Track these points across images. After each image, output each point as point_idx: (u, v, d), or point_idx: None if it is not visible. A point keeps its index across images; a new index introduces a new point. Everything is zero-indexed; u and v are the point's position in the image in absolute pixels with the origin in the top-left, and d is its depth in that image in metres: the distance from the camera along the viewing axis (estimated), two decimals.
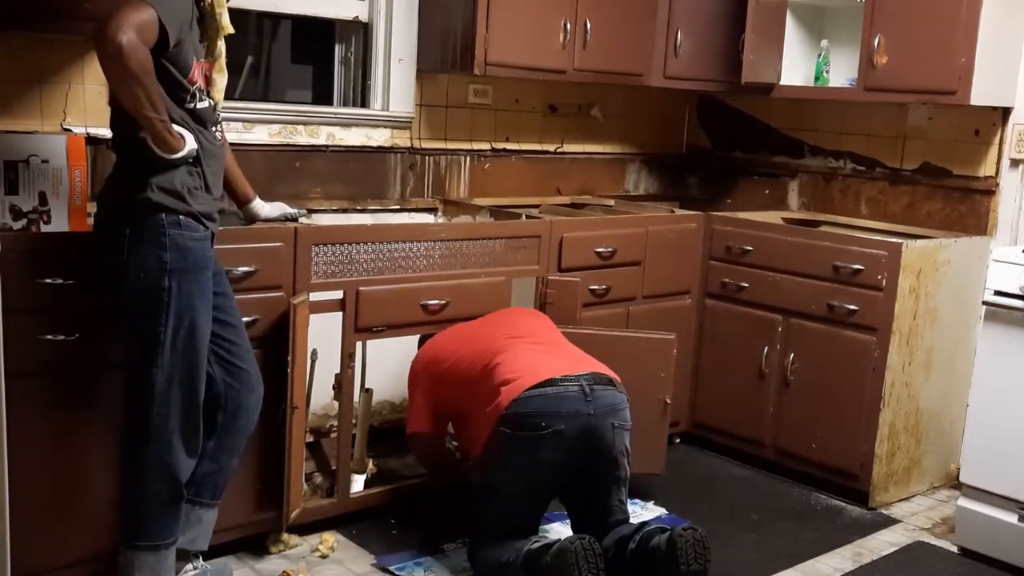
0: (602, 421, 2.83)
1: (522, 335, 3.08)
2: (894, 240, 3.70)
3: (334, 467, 3.31)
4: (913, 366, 3.71)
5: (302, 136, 3.69)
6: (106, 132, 3.19)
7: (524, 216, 3.74)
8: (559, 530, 3.21)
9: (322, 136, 3.74)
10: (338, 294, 3.13)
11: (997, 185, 3.94)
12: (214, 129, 2.61)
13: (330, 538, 3.14)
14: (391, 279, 3.23)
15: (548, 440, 2.76)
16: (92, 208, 2.99)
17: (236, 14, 3.78)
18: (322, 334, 3.18)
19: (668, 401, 3.57)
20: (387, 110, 3.92)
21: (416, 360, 3.26)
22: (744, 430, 4.06)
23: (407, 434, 3.29)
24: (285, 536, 3.09)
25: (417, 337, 3.45)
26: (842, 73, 4.23)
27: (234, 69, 4.06)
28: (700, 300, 4.19)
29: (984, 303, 3.32)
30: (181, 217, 2.45)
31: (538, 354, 2.98)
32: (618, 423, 2.87)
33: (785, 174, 4.63)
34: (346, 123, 3.81)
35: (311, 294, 3.03)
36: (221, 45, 2.61)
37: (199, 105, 2.52)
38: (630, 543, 2.76)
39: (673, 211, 4.31)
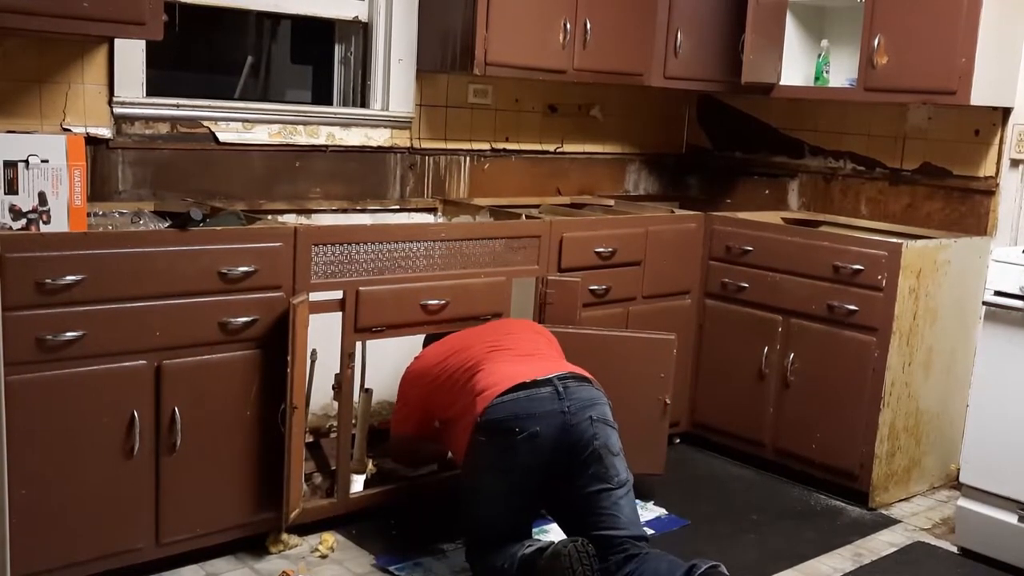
0: (579, 416, 2.79)
1: (506, 347, 3.07)
2: (894, 240, 3.70)
3: (334, 467, 3.31)
4: (913, 366, 3.71)
5: (302, 136, 3.69)
6: (106, 132, 3.21)
7: (524, 216, 3.74)
8: (559, 531, 3.20)
9: (322, 136, 3.74)
10: (338, 294, 3.13)
11: (997, 185, 3.94)
12: None
13: (330, 538, 3.14)
14: (391, 279, 3.22)
15: (523, 444, 2.74)
16: (91, 208, 3.01)
17: (236, 14, 3.81)
18: (322, 334, 3.18)
19: (668, 401, 3.57)
20: (387, 110, 3.92)
21: (408, 370, 3.23)
22: (744, 430, 4.06)
23: (391, 434, 3.35)
24: (285, 536, 3.09)
25: (421, 338, 3.45)
26: (842, 73, 4.23)
27: (234, 69, 4.09)
28: (700, 300, 4.19)
29: (984, 303, 3.32)
30: None
31: (513, 363, 2.95)
32: (597, 416, 2.82)
33: (785, 174, 4.63)
34: (346, 123, 3.81)
35: (311, 294, 3.03)
36: None
37: None
38: None
39: (673, 211, 4.31)
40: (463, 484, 2.96)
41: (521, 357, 3.00)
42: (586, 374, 2.96)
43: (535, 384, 2.82)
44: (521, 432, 2.74)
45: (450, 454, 3.47)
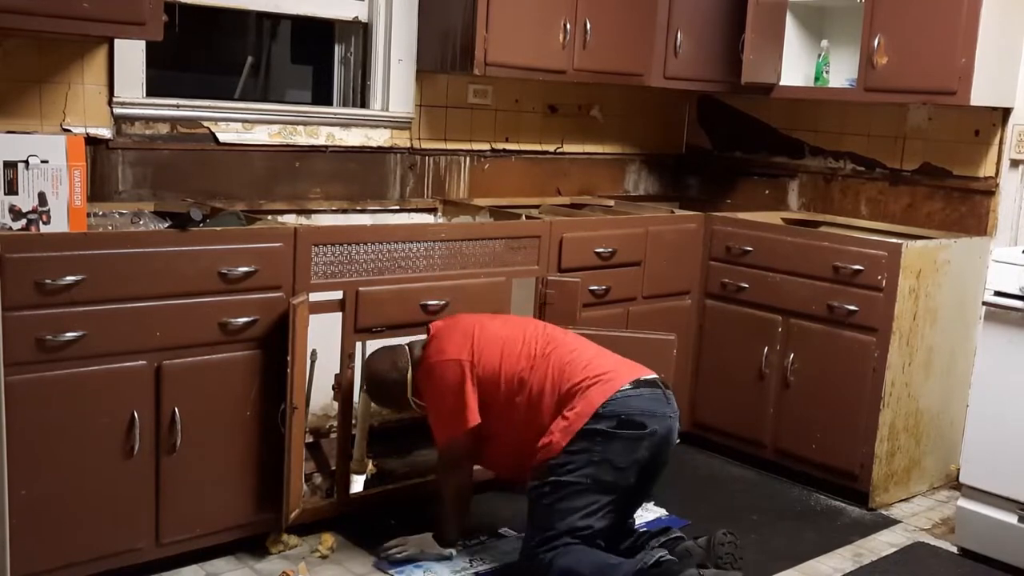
0: (676, 422, 2.90)
1: (575, 345, 3.02)
2: (894, 240, 3.70)
3: (334, 467, 3.31)
4: (913, 366, 3.71)
5: (302, 136, 3.69)
6: (106, 132, 3.21)
7: (524, 216, 3.74)
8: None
9: (322, 136, 3.74)
10: (338, 294, 3.13)
11: (997, 185, 3.94)
12: None
13: (330, 538, 3.14)
14: (391, 279, 3.22)
15: (646, 440, 2.79)
16: (91, 208, 3.01)
17: (236, 14, 3.81)
18: (322, 334, 3.18)
19: None
20: (387, 110, 3.92)
21: (446, 353, 2.99)
22: (744, 430, 4.06)
23: (443, 442, 3.04)
24: (285, 536, 3.09)
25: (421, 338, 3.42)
26: (842, 73, 4.23)
27: (234, 69, 4.09)
28: (700, 300, 4.19)
29: (984, 303, 3.32)
30: None
31: (602, 354, 2.99)
32: (677, 426, 2.95)
33: (785, 174, 4.63)
34: (346, 123, 3.81)
35: (311, 294, 3.03)
36: None
37: None
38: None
39: (673, 211, 4.31)
40: (558, 483, 2.81)
41: (605, 354, 3.00)
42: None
43: (648, 383, 2.88)
44: (646, 428, 2.79)
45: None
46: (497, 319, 3.16)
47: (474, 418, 2.95)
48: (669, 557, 2.73)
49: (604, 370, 2.88)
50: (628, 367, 2.94)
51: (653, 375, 2.96)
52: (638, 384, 2.87)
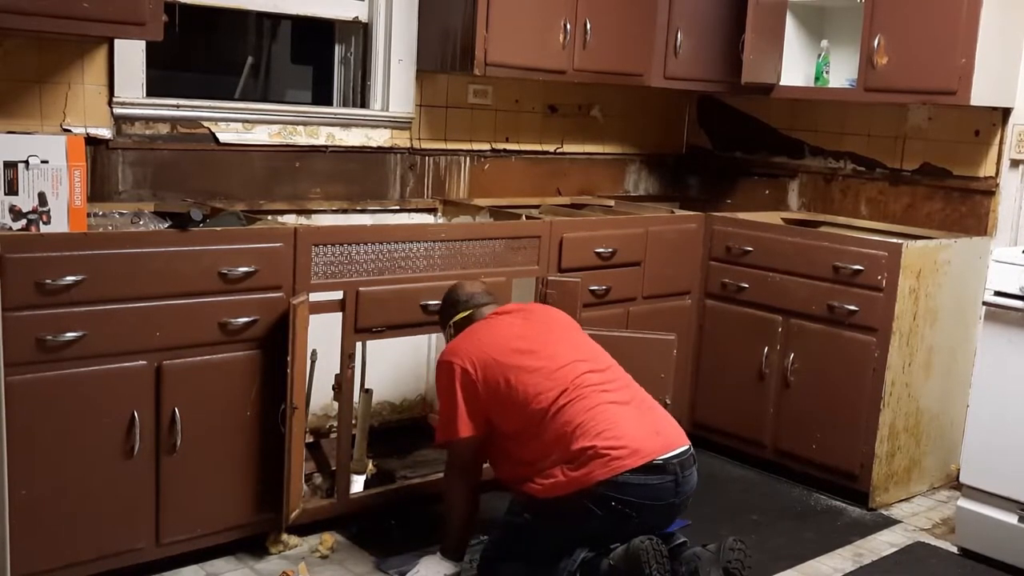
0: (681, 503, 2.79)
1: (592, 377, 2.82)
2: (894, 240, 3.70)
3: (334, 467, 3.31)
4: (913, 366, 3.71)
5: (302, 136, 3.69)
6: (106, 132, 3.21)
7: (524, 216, 3.74)
8: None
9: (322, 136, 3.74)
10: (338, 294, 3.13)
11: (997, 185, 3.94)
12: None
13: (330, 539, 3.14)
14: (391, 279, 3.22)
15: (633, 526, 2.68)
16: (91, 208, 3.01)
17: (236, 14, 3.81)
18: (322, 334, 3.18)
19: (668, 402, 3.54)
20: (387, 110, 3.92)
21: (456, 354, 2.87)
22: (744, 430, 4.06)
23: (437, 443, 2.97)
24: (285, 536, 3.09)
25: (421, 338, 3.41)
26: (842, 73, 4.23)
27: (234, 69, 4.09)
28: (700, 300, 4.19)
29: (984, 303, 3.32)
30: None
31: (627, 417, 2.75)
32: (689, 500, 2.84)
33: (785, 174, 4.63)
34: (346, 123, 3.81)
35: (311, 294, 3.03)
36: None
37: None
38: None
39: (673, 211, 4.31)
40: (536, 517, 2.80)
41: (623, 399, 2.81)
42: (686, 439, 2.84)
43: (662, 469, 2.70)
44: (636, 516, 2.68)
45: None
46: (542, 334, 2.95)
47: (465, 430, 2.82)
48: None
49: (619, 443, 2.66)
50: (651, 438, 2.72)
51: (678, 448, 2.75)
52: (649, 469, 2.67)
